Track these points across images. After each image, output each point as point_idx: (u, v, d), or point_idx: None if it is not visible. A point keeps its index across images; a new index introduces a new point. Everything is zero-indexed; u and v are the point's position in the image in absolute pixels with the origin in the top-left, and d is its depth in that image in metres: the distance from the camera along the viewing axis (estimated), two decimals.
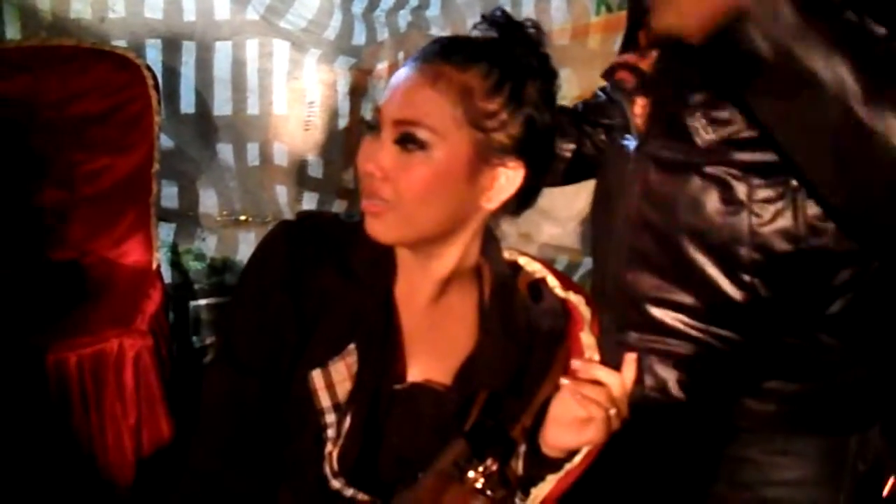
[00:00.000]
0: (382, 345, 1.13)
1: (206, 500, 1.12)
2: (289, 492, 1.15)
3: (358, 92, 2.70)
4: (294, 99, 2.67)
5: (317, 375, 1.11)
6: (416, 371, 1.17)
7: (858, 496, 1.17)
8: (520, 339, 1.19)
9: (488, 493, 1.09)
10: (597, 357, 1.17)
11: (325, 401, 1.12)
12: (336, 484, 1.12)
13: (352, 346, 1.12)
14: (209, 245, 2.72)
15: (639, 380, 1.15)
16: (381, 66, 2.69)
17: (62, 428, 1.88)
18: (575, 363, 1.14)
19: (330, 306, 1.12)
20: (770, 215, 1.10)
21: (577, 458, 1.13)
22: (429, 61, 1.09)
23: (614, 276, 1.18)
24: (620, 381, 1.10)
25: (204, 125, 2.62)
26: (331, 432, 1.12)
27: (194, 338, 2.74)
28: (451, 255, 1.15)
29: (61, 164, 2.27)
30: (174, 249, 2.68)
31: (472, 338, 1.18)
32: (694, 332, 1.14)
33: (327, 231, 1.16)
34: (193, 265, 2.72)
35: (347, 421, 1.11)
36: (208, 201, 2.67)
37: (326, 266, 1.13)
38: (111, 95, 2.25)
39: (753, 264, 1.10)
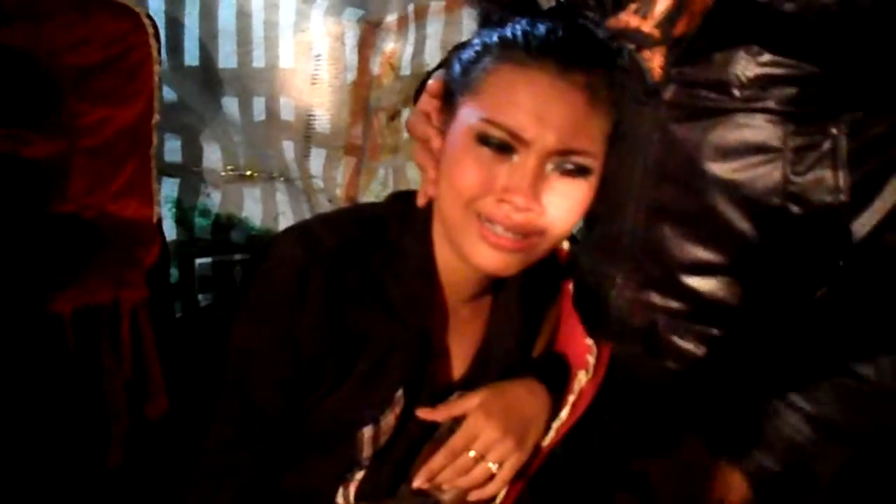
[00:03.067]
0: (425, 383, 1.04)
1: None
2: None
3: (366, 45, 2.62)
4: (301, 52, 2.59)
5: (367, 431, 1.02)
6: (451, 388, 1.09)
7: None
8: (527, 305, 1.11)
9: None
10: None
11: (367, 451, 1.04)
12: None
13: (399, 394, 1.02)
14: (214, 201, 2.66)
15: (655, 351, 1.09)
16: (391, 19, 2.61)
17: (58, 381, 1.85)
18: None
19: (367, 344, 1.01)
20: (807, 164, 1.01)
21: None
22: (576, 69, 0.94)
23: (633, 230, 1.11)
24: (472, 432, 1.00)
25: (208, 78, 2.55)
26: (359, 469, 1.05)
27: (200, 296, 2.71)
28: None
29: (61, 114, 2.22)
30: (179, 205, 2.64)
31: (486, 323, 1.11)
32: (720, 293, 1.06)
33: (365, 259, 1.01)
34: (199, 221, 2.68)
35: (382, 462, 1.04)
36: (212, 156, 2.61)
37: (368, 304, 1.00)
38: (110, 45, 2.17)
39: (787, 217, 1.03)
